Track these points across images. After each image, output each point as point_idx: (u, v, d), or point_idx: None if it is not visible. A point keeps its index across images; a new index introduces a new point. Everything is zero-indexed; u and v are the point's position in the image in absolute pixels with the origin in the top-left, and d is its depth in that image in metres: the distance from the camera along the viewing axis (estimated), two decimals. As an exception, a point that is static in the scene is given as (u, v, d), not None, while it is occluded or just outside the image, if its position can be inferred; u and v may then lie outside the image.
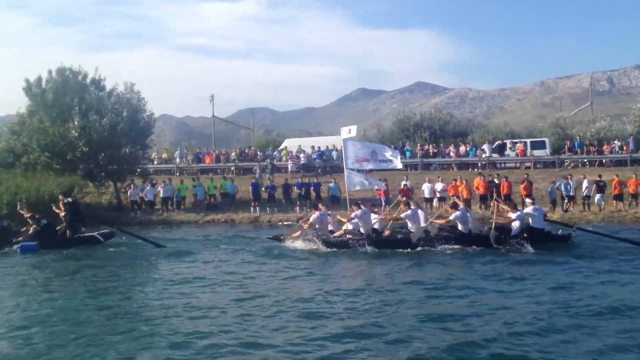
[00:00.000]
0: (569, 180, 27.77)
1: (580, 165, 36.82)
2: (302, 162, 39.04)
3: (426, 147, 40.54)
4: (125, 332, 8.45)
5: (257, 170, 36.49)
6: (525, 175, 29.53)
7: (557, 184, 27.98)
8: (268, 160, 38.91)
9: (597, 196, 27.29)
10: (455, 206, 17.73)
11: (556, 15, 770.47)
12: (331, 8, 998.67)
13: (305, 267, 14.48)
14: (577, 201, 27.80)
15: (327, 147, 39.84)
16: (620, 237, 17.74)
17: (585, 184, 27.68)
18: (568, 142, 39.28)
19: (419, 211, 18.10)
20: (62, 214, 20.85)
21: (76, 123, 29.59)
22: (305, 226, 18.63)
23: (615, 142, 37.79)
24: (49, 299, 11.02)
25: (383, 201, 28.58)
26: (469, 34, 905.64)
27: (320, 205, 19.92)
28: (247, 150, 43.75)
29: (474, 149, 39.04)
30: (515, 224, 16.73)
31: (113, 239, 20.93)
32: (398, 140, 44.31)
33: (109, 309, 9.97)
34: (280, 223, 26.96)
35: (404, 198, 19.21)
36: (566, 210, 27.12)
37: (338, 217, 19.17)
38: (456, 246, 16.46)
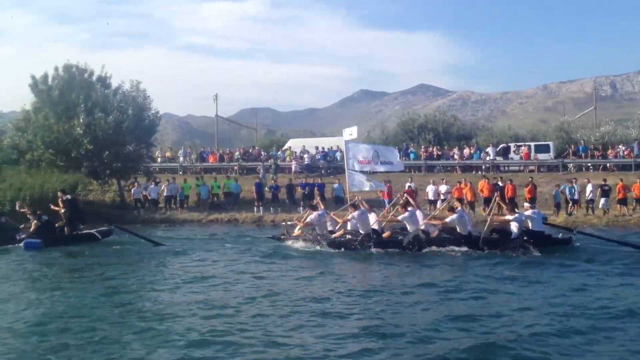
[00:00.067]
0: (574, 184, 27.73)
1: (584, 169, 36.81)
2: (305, 162, 39.01)
3: (430, 149, 40.52)
4: (140, 330, 8.41)
5: (261, 170, 36.48)
6: (530, 179, 29.50)
7: (562, 187, 27.95)
8: (272, 160, 38.90)
9: (602, 200, 27.26)
10: (452, 209, 17.71)
11: (560, 19, 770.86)
12: (334, 8, 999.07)
13: (314, 267, 14.46)
14: (581, 205, 27.75)
15: (330, 147, 39.84)
16: (620, 241, 17.75)
17: (589, 188, 27.62)
18: (573, 146, 39.25)
19: (418, 212, 18.11)
20: (62, 210, 20.85)
21: (81, 120, 29.53)
22: (300, 224, 18.73)
23: (620, 146, 37.77)
24: (61, 296, 11.00)
25: (386, 202, 28.51)
26: (473, 37, 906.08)
27: (318, 204, 19.88)
28: (250, 150, 43.76)
29: (478, 151, 39.02)
30: (514, 227, 16.72)
31: (112, 236, 20.93)
32: (402, 142, 44.27)
33: (122, 306, 9.95)
34: (283, 223, 26.98)
35: (402, 200, 19.07)
36: (570, 214, 27.08)
37: (332, 216, 19.13)
38: (463, 248, 16.43)
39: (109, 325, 8.69)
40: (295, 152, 40.32)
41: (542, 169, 37.38)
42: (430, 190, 29.68)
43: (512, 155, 39.21)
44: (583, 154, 37.83)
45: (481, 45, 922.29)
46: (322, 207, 19.66)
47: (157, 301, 10.39)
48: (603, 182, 27.94)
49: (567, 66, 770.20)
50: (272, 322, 8.88)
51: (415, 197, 29.05)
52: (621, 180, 28.14)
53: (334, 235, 18.12)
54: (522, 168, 38.26)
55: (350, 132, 20.82)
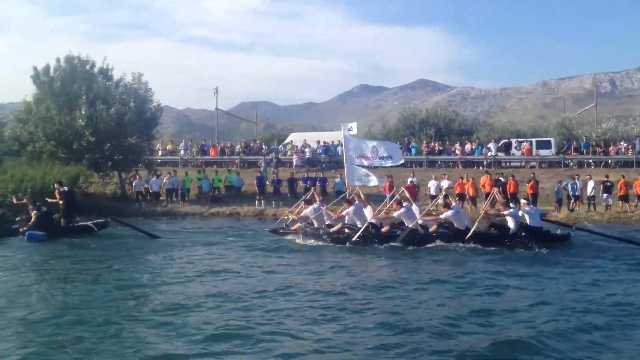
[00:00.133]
0: (576, 180, 27.73)
1: (585, 165, 36.81)
2: (307, 156, 38.96)
3: (432, 144, 40.48)
4: (156, 324, 8.36)
5: (262, 164, 36.42)
6: (532, 175, 29.48)
7: (564, 183, 27.94)
8: (273, 154, 38.84)
9: (604, 196, 27.29)
10: (447, 205, 17.72)
11: (560, 16, 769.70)
12: (335, 3, 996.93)
13: (322, 262, 14.41)
14: (583, 201, 27.75)
15: (332, 142, 39.77)
16: (620, 237, 17.71)
17: (591, 184, 27.63)
18: (574, 142, 39.24)
19: (414, 207, 18.11)
20: (61, 202, 20.82)
21: (83, 112, 29.47)
22: (293, 217, 18.91)
23: (622, 143, 37.77)
24: (72, 288, 10.95)
25: (388, 197, 28.46)
26: (473, 33, 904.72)
27: (314, 198, 19.86)
28: (252, 144, 43.70)
29: (479, 147, 38.99)
30: (511, 223, 16.76)
31: (109, 228, 20.90)
32: (403, 137, 44.24)
33: (135, 299, 9.91)
34: (282, 217, 26.98)
35: (397, 196, 19.04)
36: (572, 210, 27.10)
37: (326, 210, 19.08)
38: (462, 244, 16.43)
39: (123, 319, 8.63)
40: (297, 146, 40.26)
41: (543, 165, 37.38)
42: (432, 185, 29.63)
43: (513, 151, 39.17)
44: (585, 150, 37.80)
45: (481, 42, 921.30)
46: (318, 200, 19.59)
47: (170, 294, 10.33)
48: (605, 179, 27.96)
49: (566, 63, 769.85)
50: (289, 316, 8.84)
51: (417, 192, 29.16)
52: (623, 176, 28.16)
53: (332, 229, 18.11)
54: (523, 164, 38.24)
55: (350, 127, 20.81)
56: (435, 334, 7.74)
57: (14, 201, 22.26)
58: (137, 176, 31.48)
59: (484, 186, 28.48)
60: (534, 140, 39.97)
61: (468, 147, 39.32)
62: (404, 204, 18.01)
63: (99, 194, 31.95)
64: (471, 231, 16.58)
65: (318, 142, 40.21)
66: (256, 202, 30.54)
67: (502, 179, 28.68)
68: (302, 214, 18.97)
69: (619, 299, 9.88)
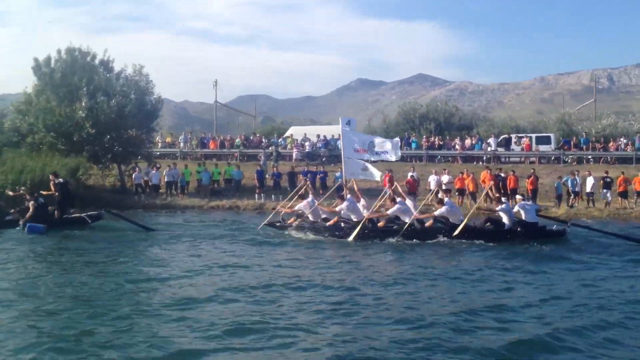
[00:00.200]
0: (576, 176, 27.77)
1: (584, 161, 36.87)
2: (307, 150, 38.92)
3: (432, 139, 40.48)
4: (170, 319, 8.32)
5: (262, 157, 36.38)
6: (532, 170, 29.51)
7: (564, 179, 27.97)
8: (273, 147, 38.79)
9: (603, 192, 27.35)
10: (440, 201, 17.78)
11: (558, 12, 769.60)
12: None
13: (327, 256, 14.43)
14: (582, 197, 27.79)
15: (332, 136, 39.73)
16: (616, 233, 17.73)
17: (590, 180, 27.66)
18: (574, 138, 39.28)
19: (408, 202, 18.17)
20: (56, 194, 20.80)
21: (83, 104, 29.40)
22: (285, 210, 19.04)
23: (622, 139, 37.81)
24: (81, 281, 10.89)
25: (386, 190, 28.45)
26: (472, 28, 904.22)
27: (308, 192, 19.87)
28: (251, 137, 43.65)
29: (479, 142, 39.01)
30: (505, 218, 16.82)
31: (103, 221, 20.87)
32: (403, 131, 44.23)
33: (146, 293, 9.87)
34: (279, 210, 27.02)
35: (389, 192, 19.01)
36: (571, 206, 27.13)
37: (318, 206, 19.09)
38: (458, 239, 16.44)
39: (134, 312, 8.59)
40: (297, 140, 40.21)
41: (542, 161, 37.44)
42: (432, 180, 29.62)
43: (513, 146, 39.20)
44: (584, 146, 37.84)
45: (480, 36, 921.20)
46: (312, 194, 19.62)
47: (179, 288, 10.28)
48: (605, 175, 28.00)
49: (564, 59, 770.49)
50: (301, 310, 8.84)
51: (417, 186, 29.20)
52: (622, 173, 28.21)
53: (328, 224, 18.12)
54: (522, 159, 38.32)
55: (348, 121, 20.85)
56: (450, 329, 7.72)
57: (11, 194, 22.17)
58: (137, 169, 31.43)
59: (484, 181, 28.46)
60: (533, 135, 40.00)
61: (468, 142, 39.33)
62: (398, 199, 18.02)
63: (98, 186, 31.86)
64: (459, 227, 16.54)
65: (318, 136, 40.13)
66: (256, 195, 30.51)
67: (502, 174, 28.71)
68: (297, 207, 19.02)
69: (629, 296, 9.89)
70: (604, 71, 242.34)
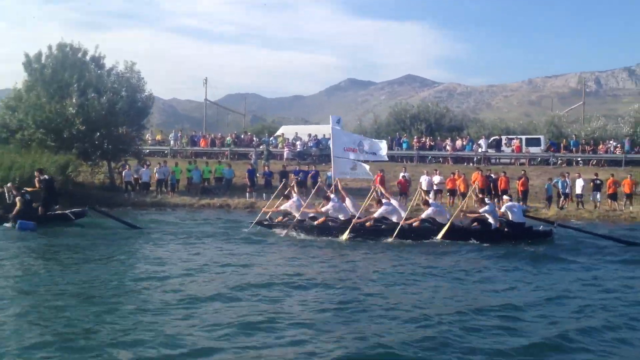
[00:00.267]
0: (566, 178, 27.91)
1: (574, 163, 37.09)
2: (298, 149, 38.86)
3: (423, 139, 40.56)
4: (176, 317, 8.24)
5: (253, 156, 36.28)
6: (523, 172, 29.63)
7: (555, 181, 28.11)
8: (264, 146, 38.69)
9: (593, 193, 27.52)
10: (426, 202, 17.94)
11: (547, 14, 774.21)
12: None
13: (325, 255, 14.42)
14: (572, 199, 27.94)
15: (323, 135, 39.69)
16: (602, 234, 17.85)
17: (580, 182, 27.82)
18: (564, 141, 39.52)
19: (393, 201, 18.21)
20: (42, 190, 20.64)
21: (74, 100, 29.16)
22: (272, 211, 19.07)
23: (611, 142, 38.07)
24: (81, 278, 10.79)
25: (376, 189, 28.43)
26: (461, 30, 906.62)
27: (292, 192, 19.85)
28: (242, 136, 43.53)
29: (470, 143, 39.14)
30: (490, 218, 16.88)
31: (85, 217, 20.74)
32: (394, 132, 44.28)
33: (148, 291, 9.76)
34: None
35: (374, 194, 19.01)
36: (562, 208, 27.27)
37: (305, 206, 19.00)
38: (447, 239, 16.50)
39: (139, 311, 8.49)
40: (288, 139, 40.12)
41: (532, 162, 37.62)
42: (423, 180, 29.64)
43: (503, 148, 39.38)
44: (574, 149, 38.06)
45: (469, 38, 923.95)
46: (296, 194, 19.58)
47: (182, 287, 10.15)
48: (595, 177, 28.17)
49: (552, 61, 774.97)
50: (308, 309, 8.81)
51: (408, 187, 29.23)
52: (612, 175, 28.40)
53: (316, 222, 18.09)
54: (513, 161, 38.49)
55: (338, 120, 20.85)
56: (460, 329, 7.69)
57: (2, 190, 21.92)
58: (127, 166, 31.24)
59: (474, 182, 28.61)
60: (523, 137, 40.21)
61: (459, 143, 39.46)
62: (384, 200, 18.05)
63: (87, 183, 31.61)
64: (443, 230, 16.56)
65: (309, 135, 40.08)
66: (247, 194, 30.42)
67: (493, 176, 28.82)
68: (282, 207, 19.02)
69: (630, 297, 9.94)
70: (592, 74, 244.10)
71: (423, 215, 17.17)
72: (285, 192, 20.24)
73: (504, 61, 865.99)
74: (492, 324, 8.05)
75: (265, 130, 48.57)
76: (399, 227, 16.87)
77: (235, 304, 9.03)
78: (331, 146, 20.95)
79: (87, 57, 31.49)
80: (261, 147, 38.69)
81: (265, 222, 19.13)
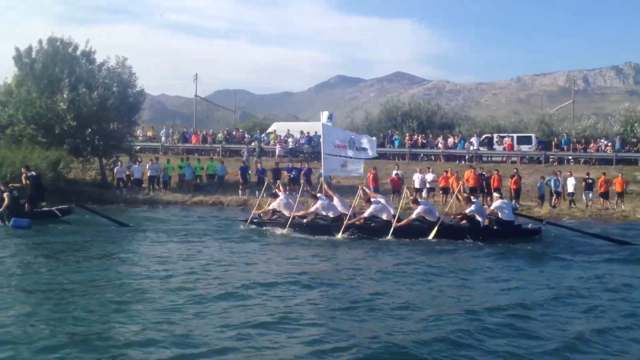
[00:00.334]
0: (559, 177, 28.02)
1: (565, 162, 37.26)
2: (290, 146, 38.74)
3: (415, 137, 40.57)
4: (186, 318, 8.15)
5: (245, 153, 36.16)
6: (515, 170, 29.71)
7: (547, 179, 28.20)
8: (256, 143, 38.53)
9: (586, 192, 27.64)
10: (415, 201, 17.90)
11: (535, 13, 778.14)
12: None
13: (325, 255, 14.32)
14: (565, 198, 28.05)
15: (315, 132, 39.58)
16: (591, 233, 17.92)
17: (571, 181, 27.94)
18: (555, 139, 39.67)
19: (381, 200, 18.22)
20: (28, 187, 20.44)
21: (65, 96, 28.88)
22: (258, 211, 19.10)
23: (602, 140, 38.27)
24: (84, 278, 10.63)
25: (372, 189, 28.41)
26: (450, 28, 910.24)
27: (277, 191, 19.82)
28: (234, 133, 43.34)
29: (462, 141, 39.21)
30: (477, 216, 16.92)
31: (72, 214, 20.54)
32: (386, 129, 44.25)
33: (155, 290, 9.64)
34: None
35: (361, 193, 18.97)
36: (554, 206, 27.36)
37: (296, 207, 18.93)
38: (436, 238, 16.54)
39: (149, 311, 8.37)
40: (280, 136, 39.97)
41: (524, 161, 37.75)
42: (416, 178, 29.69)
43: (495, 146, 39.48)
44: (565, 147, 38.22)
45: (458, 36, 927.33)
46: (281, 192, 19.57)
47: (187, 286, 10.04)
48: (586, 176, 28.28)
49: (540, 60, 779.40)
50: (317, 308, 8.78)
51: (401, 184, 29.20)
52: (604, 174, 28.56)
53: (305, 220, 18.08)
54: (504, 159, 38.61)
55: (329, 116, 20.81)
56: (474, 329, 7.63)
57: None
58: (119, 162, 31.03)
59: (467, 180, 28.65)
60: (515, 135, 40.32)
61: (450, 141, 39.52)
62: (372, 199, 18.06)
63: (78, 179, 31.37)
64: (434, 230, 16.58)
65: (301, 132, 39.95)
66: (240, 191, 30.30)
67: (486, 174, 28.87)
68: (270, 206, 18.99)
69: (636, 296, 9.99)
70: (580, 73, 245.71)
71: (413, 215, 17.14)
72: (273, 191, 20.15)
73: (492, 59, 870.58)
74: (504, 323, 8.01)
75: (256, 127, 48.37)
76: (392, 227, 16.84)
77: (243, 303, 8.95)
78: (318, 142, 20.84)
79: (78, 52, 31.24)
80: (253, 144, 38.53)
81: (255, 220, 19.06)
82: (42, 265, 11.91)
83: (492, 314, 8.40)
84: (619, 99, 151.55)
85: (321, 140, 33.39)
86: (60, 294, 9.41)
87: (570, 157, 37.76)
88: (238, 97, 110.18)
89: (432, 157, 39.01)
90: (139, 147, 38.09)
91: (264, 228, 18.56)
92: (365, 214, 17.42)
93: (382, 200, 18.24)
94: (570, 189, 27.84)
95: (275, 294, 9.61)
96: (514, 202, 26.60)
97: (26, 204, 19.93)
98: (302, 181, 29.69)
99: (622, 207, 27.20)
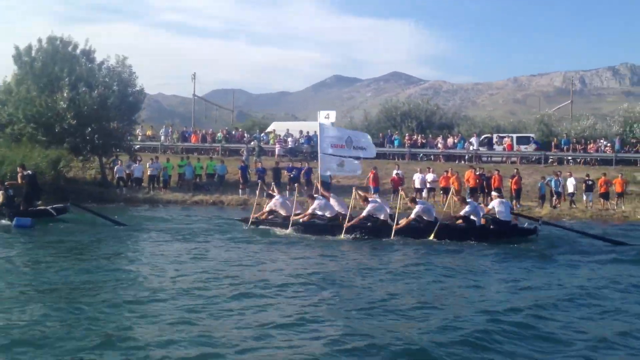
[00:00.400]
0: (559, 177, 28.04)
1: (565, 162, 37.29)
2: (289, 146, 38.68)
3: (415, 137, 40.57)
4: (206, 317, 8.11)
5: (245, 153, 36.11)
6: (515, 170, 29.71)
7: (548, 179, 28.22)
8: (255, 142, 38.48)
9: (585, 195, 27.66)
10: (414, 200, 17.93)
11: (531, 13, 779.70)
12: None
13: (333, 254, 14.31)
14: (565, 198, 28.06)
15: (314, 132, 39.51)
16: (586, 232, 17.91)
17: (572, 181, 27.96)
18: (555, 139, 39.71)
19: (379, 200, 18.22)
20: (24, 186, 20.40)
21: (65, 94, 28.82)
22: (256, 215, 18.92)
23: (602, 141, 38.32)
24: (96, 279, 10.55)
25: (372, 189, 28.45)
26: (447, 28, 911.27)
27: (273, 192, 19.79)
28: (233, 132, 43.28)
29: (461, 141, 39.22)
30: (472, 216, 16.90)
31: (67, 213, 20.52)
32: (385, 129, 44.21)
33: (165, 293, 9.53)
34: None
35: (362, 194, 18.94)
36: (555, 207, 27.37)
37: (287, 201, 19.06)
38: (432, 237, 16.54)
39: (166, 310, 8.35)
40: (279, 135, 39.91)
41: (523, 161, 37.78)
42: (417, 178, 29.69)
43: (494, 146, 39.50)
44: (565, 147, 38.26)
45: (455, 36, 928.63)
46: (278, 193, 19.61)
47: (202, 287, 9.96)
48: (586, 177, 28.29)
49: (537, 60, 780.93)
50: (338, 308, 8.77)
51: (401, 184, 29.18)
52: (604, 174, 28.59)
53: (301, 220, 17.98)
54: (504, 159, 38.62)
55: (327, 115, 20.67)
56: (495, 332, 7.59)
57: None
58: (119, 161, 30.97)
59: (468, 180, 28.68)
60: (514, 136, 40.35)
61: (450, 141, 39.52)
62: (370, 198, 18.05)
63: (78, 178, 31.30)
64: (433, 232, 16.56)
65: (300, 131, 39.90)
66: (240, 191, 30.25)
67: (486, 174, 28.86)
68: (267, 207, 18.96)
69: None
70: (576, 73, 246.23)
71: (412, 215, 17.08)
72: (269, 191, 20.15)
73: (489, 59, 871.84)
74: (522, 324, 7.97)
75: (255, 127, 48.29)
76: (393, 229, 16.82)
77: (258, 303, 8.91)
78: (318, 142, 20.77)
79: (78, 51, 31.19)
80: (252, 143, 38.47)
81: (253, 220, 19.04)
82: (53, 265, 11.84)
83: (508, 315, 8.36)
84: (616, 100, 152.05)
85: (318, 139, 33.48)
86: (72, 294, 9.35)
87: (569, 158, 37.80)
88: (235, 97, 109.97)
89: (432, 157, 39.00)
90: (138, 146, 38.00)
91: (263, 227, 18.55)
92: (364, 213, 17.36)
93: (379, 200, 18.24)
94: (570, 189, 27.86)
95: (289, 294, 9.58)
96: (514, 202, 26.69)
97: (21, 203, 19.89)
98: (302, 181, 29.87)
99: (622, 207, 27.22)
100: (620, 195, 27.86)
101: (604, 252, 15.35)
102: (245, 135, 41.88)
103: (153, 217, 22.27)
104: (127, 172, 30.69)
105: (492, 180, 28.03)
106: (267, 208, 18.99)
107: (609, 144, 37.56)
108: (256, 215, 19.09)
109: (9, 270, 11.28)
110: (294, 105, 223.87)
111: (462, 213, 17.01)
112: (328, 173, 20.49)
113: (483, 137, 40.49)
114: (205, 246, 15.04)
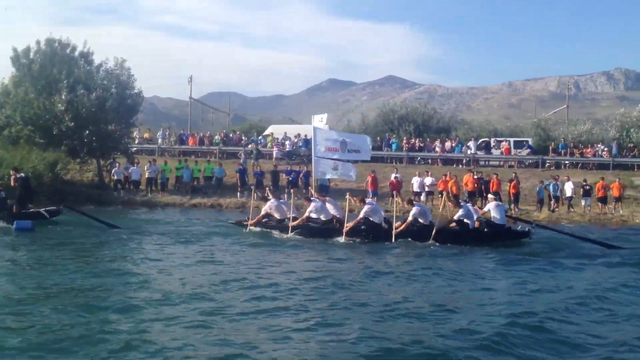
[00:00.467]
0: (557, 181, 28.10)
1: (562, 167, 37.37)
2: (287, 149, 38.65)
3: (412, 140, 40.60)
4: (219, 321, 8.07)
5: (242, 156, 36.06)
6: (514, 174, 29.72)
7: (546, 183, 28.26)
8: (253, 145, 38.43)
9: (583, 200, 27.70)
10: (410, 202, 17.98)
11: (526, 18, 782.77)
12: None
13: (337, 258, 14.30)
14: (563, 202, 28.11)
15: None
16: (581, 236, 17.98)
17: (569, 185, 28.02)
18: (552, 143, 39.80)
19: (374, 202, 18.28)
20: (17, 189, 20.33)
21: (63, 97, 28.71)
22: (257, 219, 18.84)
23: (599, 145, 38.44)
24: (105, 283, 10.47)
25: (371, 193, 28.44)
26: (442, 32, 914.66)
27: (268, 195, 19.77)
28: (231, 135, 43.24)
29: (459, 145, 39.27)
30: (467, 219, 16.93)
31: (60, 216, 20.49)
32: (383, 133, 44.25)
33: (172, 296, 9.49)
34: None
35: (358, 198, 18.94)
36: (553, 211, 27.41)
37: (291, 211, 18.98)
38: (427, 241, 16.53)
39: (179, 314, 8.30)
40: (277, 139, 39.87)
41: (521, 165, 37.84)
42: (415, 182, 29.69)
43: (492, 150, 39.57)
44: (562, 152, 38.36)
45: (450, 40, 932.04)
46: (270, 197, 19.60)
47: (211, 291, 9.86)
48: (584, 182, 28.33)
49: (532, 65, 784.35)
50: (349, 311, 8.74)
51: (400, 188, 29.18)
52: (602, 179, 28.64)
53: (295, 223, 17.96)
54: (502, 163, 38.67)
55: (320, 119, 20.69)
56: (513, 335, 7.55)
57: None
58: (117, 164, 30.89)
59: (466, 184, 28.67)
60: (511, 140, 40.45)
61: (448, 144, 39.58)
62: (367, 200, 18.09)
63: (76, 181, 31.18)
64: (433, 234, 16.56)
65: (298, 135, 39.88)
66: (238, 193, 30.19)
67: (485, 178, 28.88)
68: (263, 211, 18.96)
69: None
70: (571, 78, 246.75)
71: (410, 218, 17.07)
72: (263, 196, 20.16)
73: (484, 64, 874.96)
74: (539, 327, 7.93)
75: (253, 130, 48.26)
76: (393, 233, 16.78)
77: (272, 306, 8.90)
78: (312, 145, 20.76)
79: (76, 53, 31.05)
80: (250, 146, 38.43)
81: (245, 222, 19.11)
82: (59, 268, 11.79)
83: (523, 318, 8.32)
84: (610, 105, 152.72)
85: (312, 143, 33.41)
86: (83, 297, 9.31)
87: (567, 162, 37.88)
88: (230, 100, 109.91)
89: (430, 160, 39.04)
90: (135, 149, 37.90)
91: (263, 230, 18.55)
92: (361, 214, 17.29)
93: (374, 202, 18.27)
94: (568, 193, 27.91)
95: (300, 297, 9.54)
96: (512, 206, 26.74)
97: (14, 206, 19.80)
98: (300, 184, 29.83)
99: (621, 211, 27.29)
100: (618, 199, 27.93)
101: (607, 255, 15.39)
102: (243, 138, 41.82)
103: (152, 220, 22.21)
104: (125, 174, 30.60)
105: (491, 184, 28.04)
106: (262, 212, 18.99)
107: (606, 149, 37.67)
108: (253, 221, 19.03)
109: (17, 273, 11.22)
110: (290, 108, 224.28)
111: (455, 217, 17.08)
112: (326, 176, 20.41)
113: (480, 141, 40.56)
114: (209, 249, 14.98)
